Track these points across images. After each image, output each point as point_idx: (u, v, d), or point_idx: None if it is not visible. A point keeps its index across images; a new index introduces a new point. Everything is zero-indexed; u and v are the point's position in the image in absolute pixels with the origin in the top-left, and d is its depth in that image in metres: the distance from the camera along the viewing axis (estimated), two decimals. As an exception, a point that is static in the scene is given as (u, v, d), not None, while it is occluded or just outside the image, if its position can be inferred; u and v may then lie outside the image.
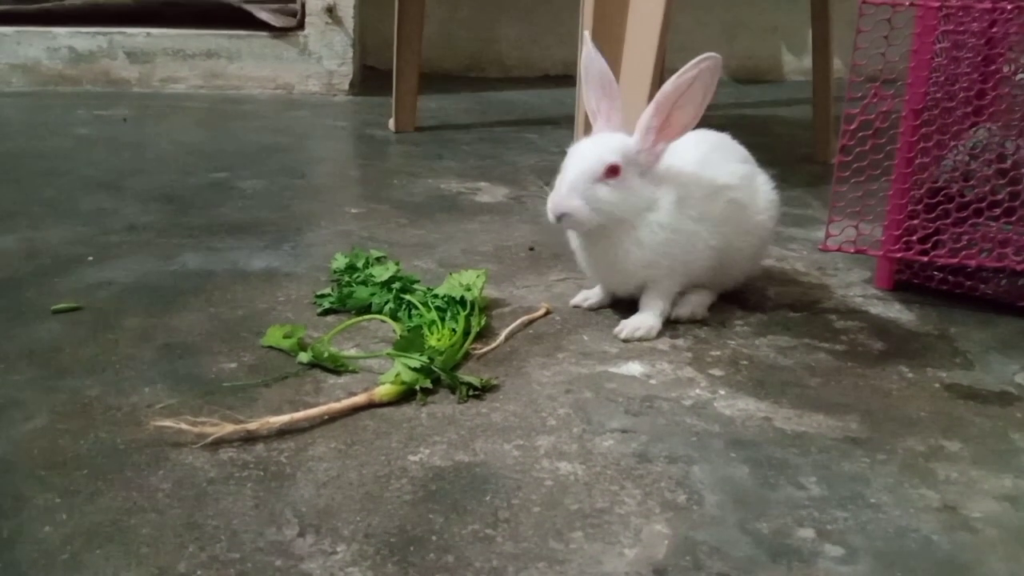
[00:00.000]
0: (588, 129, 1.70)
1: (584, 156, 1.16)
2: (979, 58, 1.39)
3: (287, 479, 0.86)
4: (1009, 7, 1.26)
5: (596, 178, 1.15)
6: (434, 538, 0.78)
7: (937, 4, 1.27)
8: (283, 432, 0.93)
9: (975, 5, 1.28)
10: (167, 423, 0.90)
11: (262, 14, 2.95)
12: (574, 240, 1.26)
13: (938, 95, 1.32)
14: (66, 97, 2.83)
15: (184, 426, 0.90)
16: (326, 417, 0.96)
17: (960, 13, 1.29)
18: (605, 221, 1.17)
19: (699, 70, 1.13)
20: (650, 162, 1.18)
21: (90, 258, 1.44)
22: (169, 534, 0.77)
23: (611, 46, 1.63)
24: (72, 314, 1.22)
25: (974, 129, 1.40)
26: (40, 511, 0.80)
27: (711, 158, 1.26)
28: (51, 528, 0.78)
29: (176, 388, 1.03)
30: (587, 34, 1.22)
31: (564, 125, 2.63)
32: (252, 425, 0.92)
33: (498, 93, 3.30)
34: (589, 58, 1.20)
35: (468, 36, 3.68)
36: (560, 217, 1.15)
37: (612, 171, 1.15)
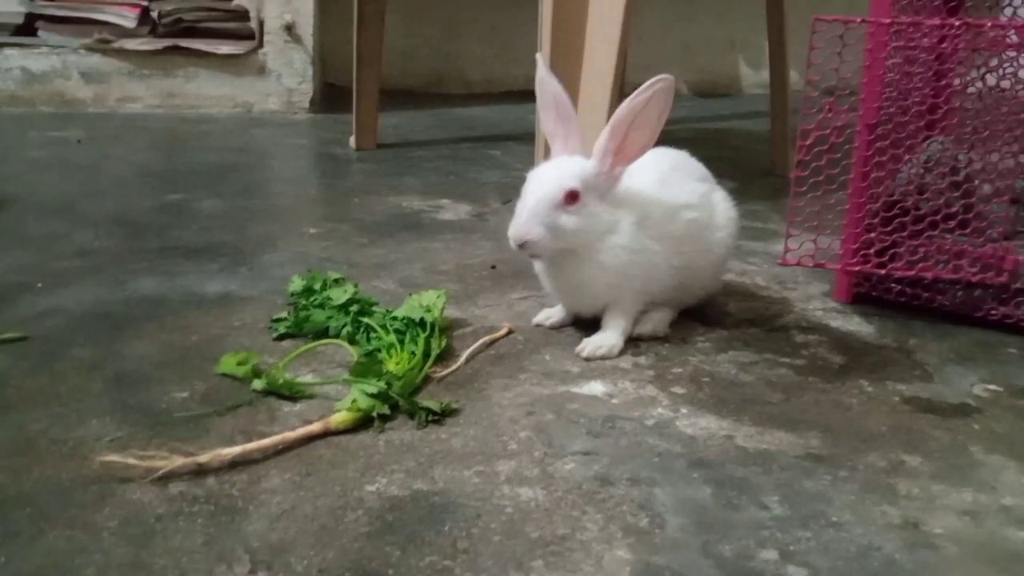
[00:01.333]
0: (548, 150, 1.70)
1: (543, 182, 1.15)
2: (930, 73, 1.42)
3: (239, 513, 0.83)
4: (957, 23, 1.28)
5: (556, 204, 1.14)
6: (391, 572, 0.76)
7: (888, 21, 1.28)
8: (235, 464, 0.91)
9: (925, 22, 1.30)
10: (114, 458, 0.87)
11: (222, 49, 2.91)
12: (537, 263, 1.25)
13: (891, 109, 1.34)
14: (18, 119, 2.77)
15: (132, 460, 0.87)
16: (280, 447, 0.94)
17: (911, 29, 1.31)
18: (567, 247, 1.16)
19: (653, 91, 1.13)
20: (609, 185, 1.18)
21: (39, 285, 1.40)
22: (115, 575, 0.74)
23: (569, 64, 1.63)
24: (18, 345, 1.18)
25: (927, 143, 1.42)
26: (-22, 555, 0.77)
27: (670, 178, 1.26)
28: (-11, 573, 0.74)
29: (125, 420, 0.99)
30: (539, 56, 1.22)
31: (527, 141, 2.63)
32: (203, 458, 0.89)
33: (460, 109, 3.30)
34: (542, 81, 1.20)
35: (430, 52, 3.67)
36: (522, 245, 1.14)
37: (572, 197, 1.14)
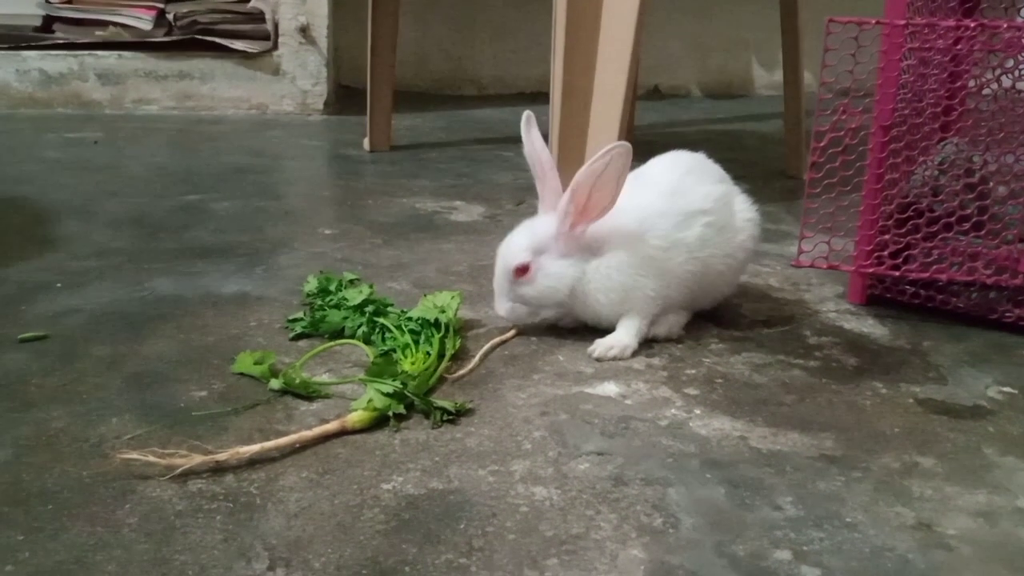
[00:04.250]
0: (562, 149, 1.71)
1: (499, 259, 1.24)
2: (945, 74, 1.41)
3: (257, 510, 0.84)
4: (972, 25, 1.28)
5: (512, 280, 1.22)
6: (407, 569, 0.77)
7: (903, 22, 1.28)
8: (253, 462, 0.92)
9: (940, 23, 1.30)
10: (134, 455, 0.89)
11: (237, 45, 2.93)
12: None
13: (906, 111, 1.34)
14: (36, 120, 2.80)
15: (152, 458, 0.88)
16: (297, 446, 0.95)
17: (925, 31, 1.31)
18: (539, 308, 1.24)
19: (610, 157, 1.15)
20: (570, 244, 1.21)
21: (58, 285, 1.42)
22: (136, 570, 0.76)
23: (583, 66, 1.63)
24: (39, 343, 1.20)
25: (942, 144, 1.42)
26: (2, 549, 0.78)
27: (684, 183, 1.26)
28: (13, 567, 0.76)
29: (145, 418, 1.01)
30: (525, 115, 1.25)
31: (539, 142, 2.63)
32: (221, 455, 0.90)
33: (473, 111, 3.31)
34: (527, 138, 1.24)
35: (443, 54, 3.69)
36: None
37: (521, 271, 1.21)
